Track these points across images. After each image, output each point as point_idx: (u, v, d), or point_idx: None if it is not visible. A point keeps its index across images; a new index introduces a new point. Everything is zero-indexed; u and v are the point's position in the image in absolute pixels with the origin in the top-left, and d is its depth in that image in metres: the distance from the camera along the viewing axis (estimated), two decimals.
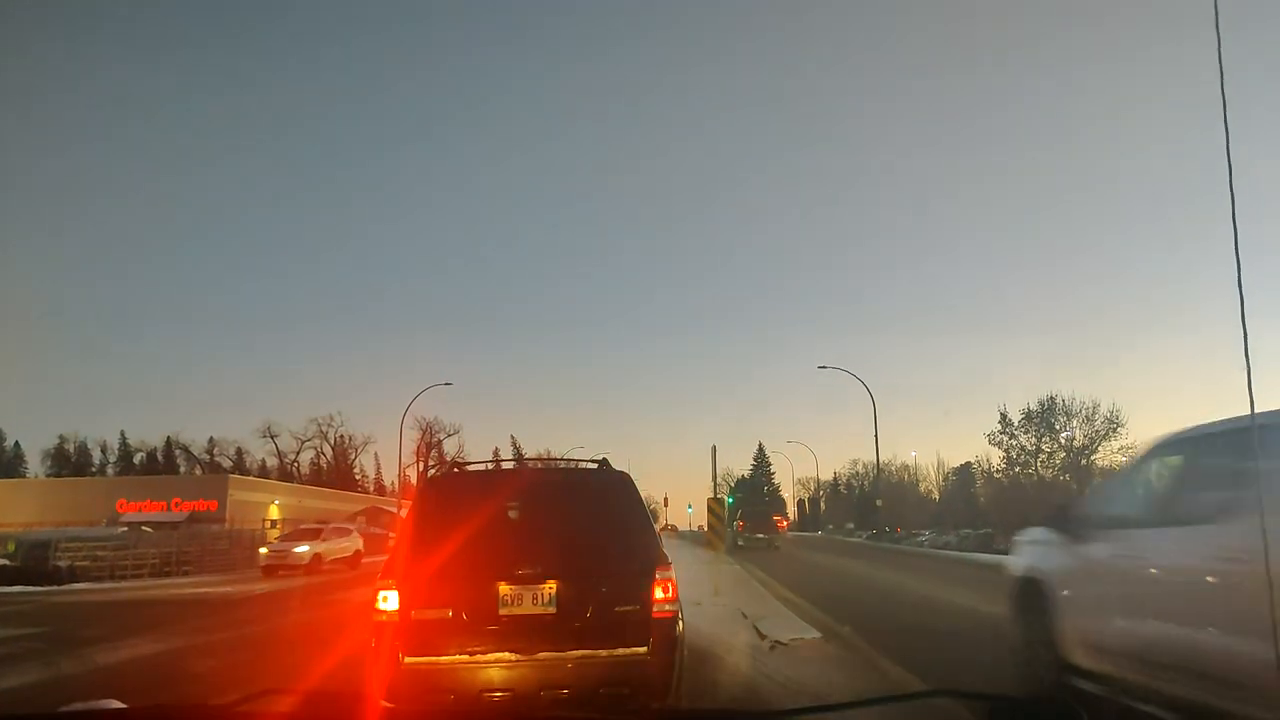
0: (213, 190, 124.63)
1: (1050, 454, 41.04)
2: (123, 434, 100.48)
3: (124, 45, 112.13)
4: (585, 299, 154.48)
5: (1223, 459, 4.88)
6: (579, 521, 6.01)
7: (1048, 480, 42.48)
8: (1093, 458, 39.19)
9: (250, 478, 72.54)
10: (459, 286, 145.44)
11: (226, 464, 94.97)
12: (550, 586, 5.39)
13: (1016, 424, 41.84)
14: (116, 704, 1.80)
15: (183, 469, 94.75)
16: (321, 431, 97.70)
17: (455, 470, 7.16)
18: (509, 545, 5.69)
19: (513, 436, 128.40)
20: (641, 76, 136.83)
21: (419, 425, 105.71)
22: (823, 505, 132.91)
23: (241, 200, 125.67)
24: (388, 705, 1.75)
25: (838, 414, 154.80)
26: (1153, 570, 5.28)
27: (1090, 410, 38.77)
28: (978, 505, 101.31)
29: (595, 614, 5.40)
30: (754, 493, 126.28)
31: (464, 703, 5.25)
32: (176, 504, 58.90)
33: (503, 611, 5.33)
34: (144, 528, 46.77)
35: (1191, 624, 4.73)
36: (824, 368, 46.61)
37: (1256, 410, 2.51)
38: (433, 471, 7.09)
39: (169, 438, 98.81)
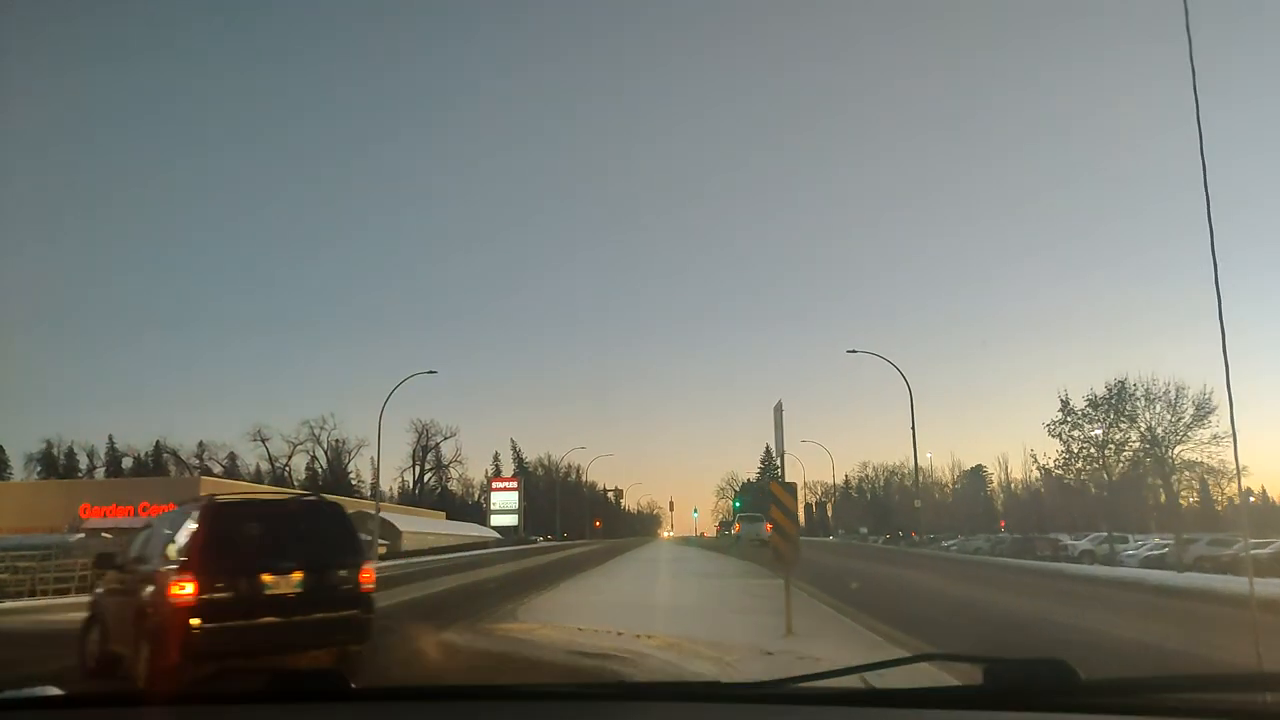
0: (205, 192, 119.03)
1: (1120, 446, 34.56)
2: (110, 438, 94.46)
3: (111, 47, 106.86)
4: (588, 303, 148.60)
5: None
6: (313, 533, 8.73)
7: (1115, 476, 36.00)
8: (1176, 449, 32.66)
9: (226, 480, 66.22)
10: (459, 286, 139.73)
11: (217, 469, 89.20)
12: (298, 575, 8.12)
13: (1080, 412, 35.32)
14: (53, 690, 1.80)
15: (173, 474, 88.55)
16: (314, 434, 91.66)
17: (231, 500, 9.01)
18: (270, 548, 8.28)
19: (512, 440, 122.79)
20: (651, 61, 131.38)
21: (415, 428, 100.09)
22: (830, 509, 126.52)
23: (238, 200, 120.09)
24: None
25: (848, 416, 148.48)
26: None
27: (1174, 395, 32.30)
28: (994, 508, 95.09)
29: (327, 590, 8.28)
30: (761, 496, 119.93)
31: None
32: (145, 509, 52.66)
33: (267, 592, 7.95)
34: (104, 534, 41.58)
35: None
36: (853, 352, 40.56)
37: None
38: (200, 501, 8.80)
39: (158, 442, 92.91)
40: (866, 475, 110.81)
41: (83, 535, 39.97)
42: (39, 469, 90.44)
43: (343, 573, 8.26)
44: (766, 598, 15.62)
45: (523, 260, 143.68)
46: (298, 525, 8.70)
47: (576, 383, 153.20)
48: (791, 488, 10.55)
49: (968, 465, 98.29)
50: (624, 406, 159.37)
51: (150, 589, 7.99)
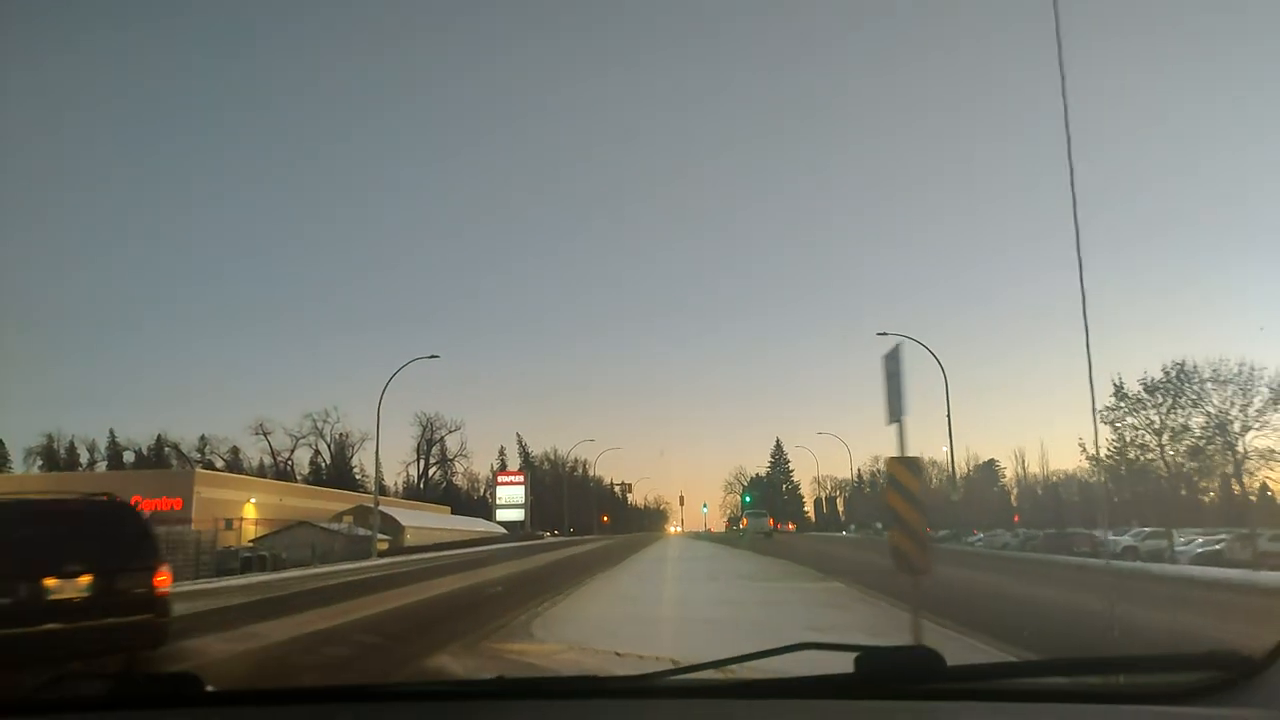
0: (208, 186, 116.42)
1: (1177, 432, 31.51)
2: (111, 432, 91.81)
3: (108, 44, 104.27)
4: (595, 294, 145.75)
5: None
6: (102, 535, 8.23)
7: (1174, 466, 32.90)
8: (1247, 437, 29.58)
9: (222, 474, 63.56)
10: (464, 279, 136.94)
11: (219, 463, 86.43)
12: (86, 579, 7.66)
13: (1135, 397, 32.31)
14: None
15: (175, 468, 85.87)
16: (317, 428, 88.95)
17: (9, 500, 8.79)
18: (53, 551, 7.72)
19: (518, 434, 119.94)
20: (664, 45, 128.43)
21: (419, 421, 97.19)
22: (840, 505, 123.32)
23: (239, 193, 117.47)
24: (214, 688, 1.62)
25: (859, 409, 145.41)
26: None
27: (1245, 377, 29.20)
28: (1009, 503, 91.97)
29: (118, 594, 7.80)
30: (771, 492, 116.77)
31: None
32: (137, 502, 49.84)
33: (50, 597, 7.46)
34: None
35: None
36: (883, 334, 37.46)
37: None
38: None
39: (159, 436, 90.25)
40: (879, 469, 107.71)
41: None
42: (40, 463, 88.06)
43: (135, 576, 8.01)
44: (839, 608, 12.58)
45: (529, 252, 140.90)
46: (85, 527, 8.30)
47: (583, 376, 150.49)
48: (914, 464, 7.53)
49: (982, 459, 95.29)
50: (631, 400, 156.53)
51: None
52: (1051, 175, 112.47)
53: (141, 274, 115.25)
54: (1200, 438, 30.95)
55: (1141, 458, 33.07)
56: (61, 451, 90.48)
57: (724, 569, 23.55)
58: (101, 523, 8.42)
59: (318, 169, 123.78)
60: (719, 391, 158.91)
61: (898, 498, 7.41)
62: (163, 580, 8.15)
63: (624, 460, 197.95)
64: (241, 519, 46.12)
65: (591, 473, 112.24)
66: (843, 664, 1.47)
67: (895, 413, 7.65)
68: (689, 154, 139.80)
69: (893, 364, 7.79)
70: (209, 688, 1.59)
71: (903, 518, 7.38)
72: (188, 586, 24.43)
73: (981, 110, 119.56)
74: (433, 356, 40.69)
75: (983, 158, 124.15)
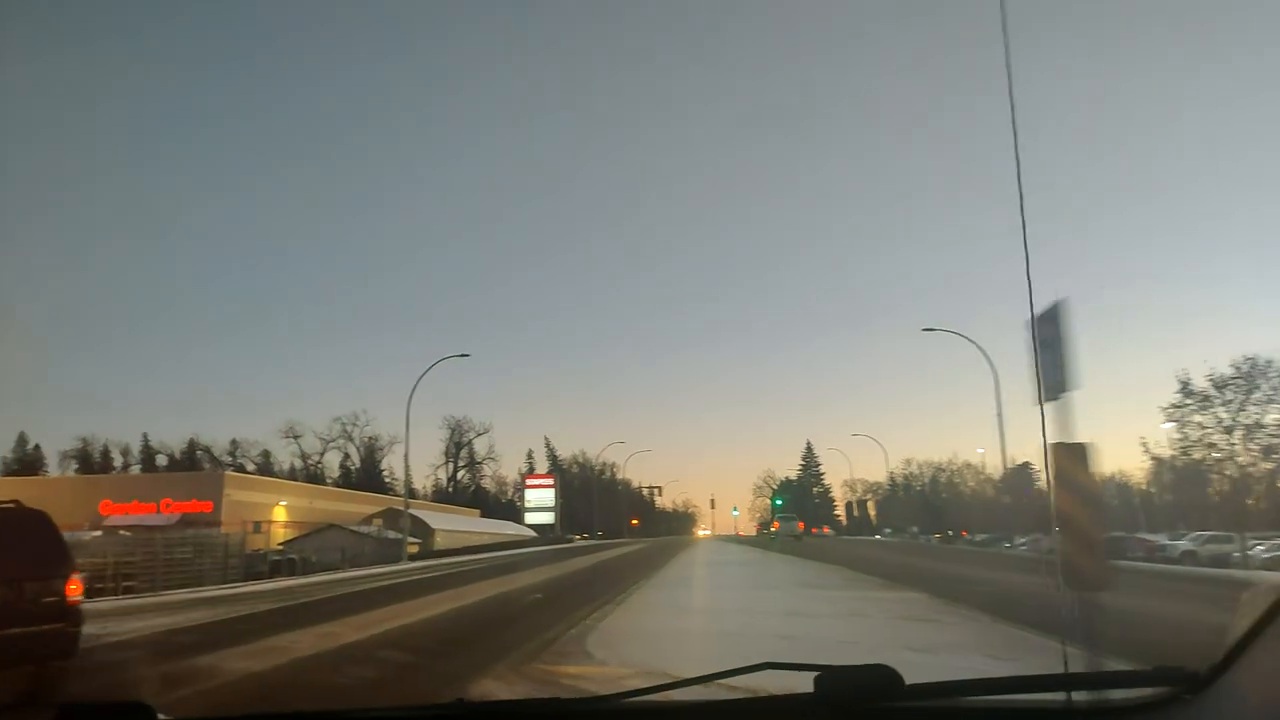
0: (239, 193, 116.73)
1: (1251, 430, 29.50)
2: (144, 436, 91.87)
3: (125, 43, 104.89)
4: (622, 297, 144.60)
5: None
6: (10, 543, 7.83)
7: (1244, 465, 30.85)
8: None
9: (252, 476, 62.77)
10: (493, 284, 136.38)
11: (250, 467, 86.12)
12: None
13: (1202, 394, 30.34)
14: None
15: (206, 471, 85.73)
16: (346, 431, 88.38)
17: None
18: None
19: (546, 437, 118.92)
20: (693, 50, 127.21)
21: (448, 424, 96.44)
22: (871, 508, 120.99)
23: (271, 200, 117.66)
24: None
25: (893, 410, 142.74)
26: None
27: None
28: (1044, 506, 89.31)
29: (28, 604, 7.53)
30: (802, 495, 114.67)
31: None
32: (167, 505, 49.41)
33: None
34: (122, 531, 38.75)
35: None
36: (930, 330, 35.79)
37: None
38: None
39: (191, 439, 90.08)
40: (911, 472, 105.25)
41: (99, 533, 37.03)
42: (75, 466, 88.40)
43: (44, 584, 7.83)
44: (931, 623, 11.00)
45: (556, 256, 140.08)
46: None
47: (611, 378, 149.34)
48: (1083, 452, 5.98)
49: (1017, 461, 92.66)
50: (660, 402, 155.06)
51: None
52: (1088, 166, 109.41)
53: (175, 279, 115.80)
54: (1276, 435, 28.88)
55: (1209, 458, 30.99)
56: (96, 455, 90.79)
57: (778, 577, 21.96)
58: (10, 531, 8.06)
59: (348, 174, 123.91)
60: (749, 393, 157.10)
61: (1065, 494, 5.82)
62: (74, 589, 8.02)
63: (653, 462, 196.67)
64: (271, 522, 45.21)
65: (620, 475, 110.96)
66: (804, 684, 1.46)
67: (1056, 387, 6.07)
68: (717, 152, 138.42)
69: (1049, 328, 6.19)
70: (161, 717, 1.54)
71: (1071, 518, 5.78)
72: (213, 592, 23.33)
73: (1020, 102, 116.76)
74: (462, 355, 39.53)
75: (1023, 147, 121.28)
